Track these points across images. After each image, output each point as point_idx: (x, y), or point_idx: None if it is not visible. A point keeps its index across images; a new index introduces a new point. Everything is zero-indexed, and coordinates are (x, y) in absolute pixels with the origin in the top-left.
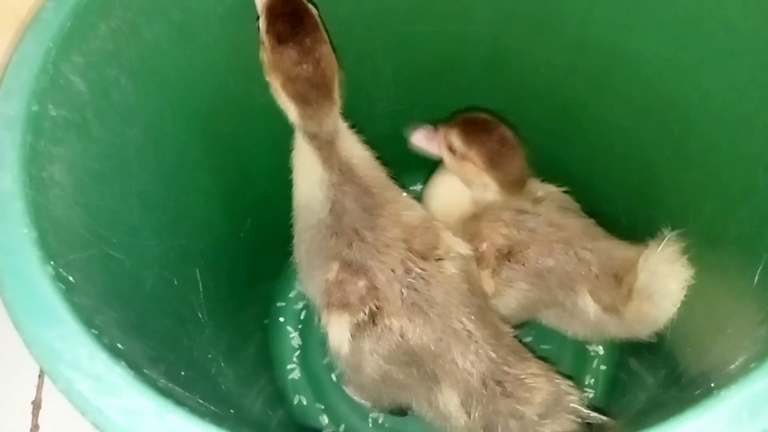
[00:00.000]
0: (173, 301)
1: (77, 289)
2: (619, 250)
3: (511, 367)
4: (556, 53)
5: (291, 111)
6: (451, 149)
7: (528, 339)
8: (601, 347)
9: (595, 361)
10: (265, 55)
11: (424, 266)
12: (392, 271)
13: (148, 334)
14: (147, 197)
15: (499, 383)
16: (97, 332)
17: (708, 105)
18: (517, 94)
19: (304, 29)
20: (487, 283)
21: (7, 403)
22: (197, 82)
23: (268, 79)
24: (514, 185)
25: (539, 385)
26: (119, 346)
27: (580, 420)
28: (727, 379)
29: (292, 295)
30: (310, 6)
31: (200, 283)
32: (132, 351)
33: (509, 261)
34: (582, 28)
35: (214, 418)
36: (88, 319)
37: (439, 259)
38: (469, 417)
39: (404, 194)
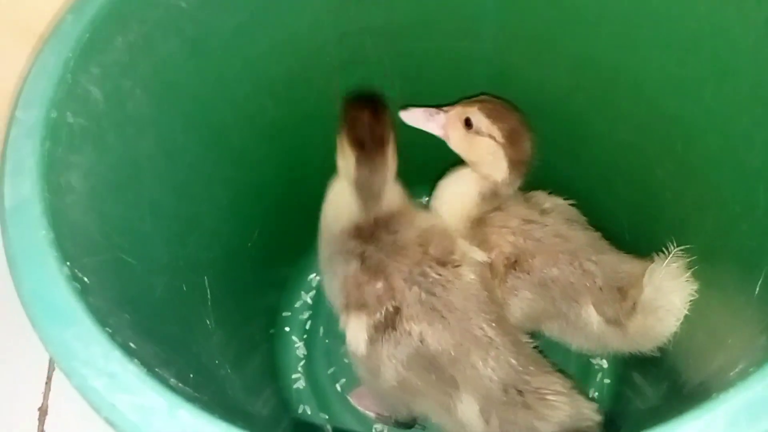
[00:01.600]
0: (182, 307)
1: (91, 291)
2: (623, 263)
3: (532, 376)
4: (560, 71)
5: (347, 161)
6: (468, 124)
7: None
8: (605, 361)
9: (599, 375)
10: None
11: (441, 272)
12: (409, 272)
13: (159, 338)
14: (158, 206)
15: (520, 393)
16: (111, 331)
17: (710, 121)
18: (521, 110)
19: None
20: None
21: (13, 409)
22: (209, 95)
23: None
24: (521, 168)
25: (561, 404)
26: (132, 345)
27: None
28: (726, 385)
29: (297, 305)
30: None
31: (208, 292)
32: (144, 351)
33: (515, 270)
34: (586, 47)
35: (225, 414)
36: (102, 319)
37: (457, 266)
38: (488, 424)
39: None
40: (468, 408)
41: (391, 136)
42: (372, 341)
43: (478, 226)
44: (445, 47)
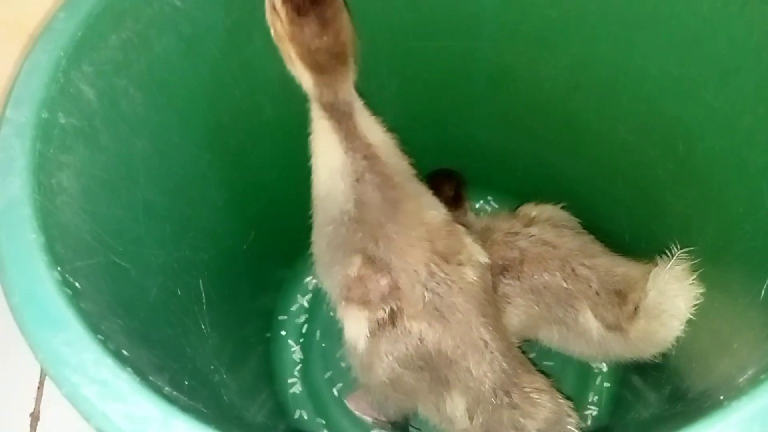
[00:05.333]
0: (177, 311)
1: (83, 295)
2: (618, 266)
3: (519, 378)
4: (560, 70)
5: (305, 79)
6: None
7: (531, 355)
8: (604, 364)
9: (599, 378)
10: (279, 25)
11: (447, 270)
12: (415, 272)
13: (153, 343)
14: (152, 207)
15: (507, 393)
16: (102, 338)
17: (712, 120)
18: (521, 109)
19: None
20: None
21: (5, 415)
22: (205, 95)
23: (278, 45)
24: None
25: (544, 402)
26: (125, 352)
27: None
28: (736, 392)
29: (294, 308)
30: None
31: (203, 295)
32: (137, 358)
33: (504, 277)
34: (586, 46)
35: (220, 425)
36: (94, 325)
37: (461, 265)
38: (471, 422)
39: (425, 188)
40: (456, 406)
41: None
42: (371, 336)
43: None
44: (443, 46)
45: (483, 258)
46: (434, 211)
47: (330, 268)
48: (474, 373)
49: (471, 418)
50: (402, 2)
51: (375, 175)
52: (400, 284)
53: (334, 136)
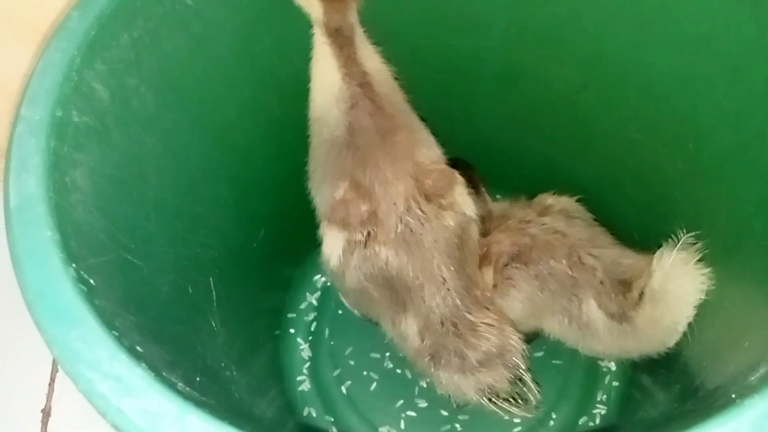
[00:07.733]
0: (187, 308)
1: (98, 292)
2: (627, 258)
3: (471, 313)
4: (569, 69)
5: (314, 7)
6: None
7: (539, 354)
8: (612, 363)
9: (607, 377)
10: None
11: (425, 209)
12: (394, 204)
13: (164, 340)
14: (163, 205)
15: (454, 325)
16: (117, 334)
17: (722, 119)
18: (530, 108)
19: None
20: (488, 275)
21: (16, 411)
22: (214, 94)
23: None
24: None
25: (489, 335)
26: (138, 349)
27: (512, 377)
28: (748, 389)
29: (302, 306)
30: None
31: (214, 292)
32: (150, 354)
33: (513, 261)
34: (595, 44)
35: (234, 420)
36: (108, 321)
37: (441, 208)
38: (422, 342)
39: (422, 125)
40: (409, 327)
41: None
42: (344, 252)
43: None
44: (452, 44)
45: (469, 210)
46: (427, 150)
47: (321, 185)
48: (427, 303)
49: (422, 339)
50: (410, 0)
51: (368, 101)
52: (378, 212)
53: (333, 61)
